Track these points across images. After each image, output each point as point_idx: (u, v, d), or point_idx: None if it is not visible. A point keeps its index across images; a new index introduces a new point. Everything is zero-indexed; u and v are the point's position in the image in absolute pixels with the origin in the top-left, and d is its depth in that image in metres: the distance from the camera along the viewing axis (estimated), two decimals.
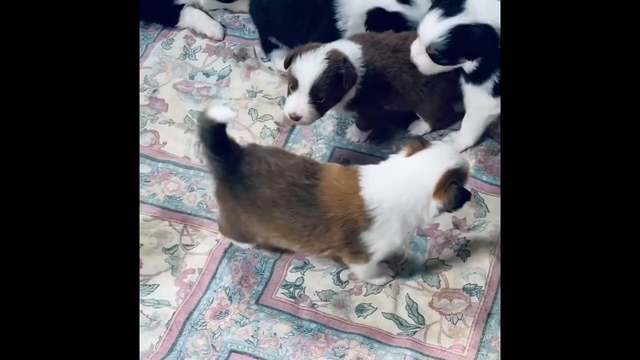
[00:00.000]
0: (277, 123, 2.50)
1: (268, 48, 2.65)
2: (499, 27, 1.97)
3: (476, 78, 2.15)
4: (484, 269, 2.15)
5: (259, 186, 1.91)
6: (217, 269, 2.20)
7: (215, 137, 1.87)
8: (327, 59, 2.10)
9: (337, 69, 2.10)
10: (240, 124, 2.52)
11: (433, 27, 2.05)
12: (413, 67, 2.20)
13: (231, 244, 2.24)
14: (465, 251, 2.19)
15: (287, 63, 2.15)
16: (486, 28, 2.02)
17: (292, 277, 2.17)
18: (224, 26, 2.83)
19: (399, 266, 2.15)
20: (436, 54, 2.08)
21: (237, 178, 1.92)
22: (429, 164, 1.87)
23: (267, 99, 2.59)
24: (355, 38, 2.25)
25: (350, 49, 2.18)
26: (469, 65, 2.13)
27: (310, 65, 2.11)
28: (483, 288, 2.11)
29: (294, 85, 2.13)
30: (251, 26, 2.79)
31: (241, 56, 2.71)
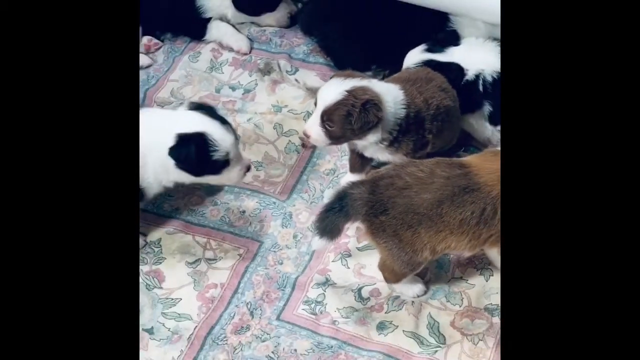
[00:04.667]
0: (301, 138, 2.49)
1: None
2: None
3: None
4: None
5: (416, 195, 1.88)
6: (239, 283, 2.22)
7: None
8: (347, 92, 2.06)
9: (352, 106, 2.04)
10: (265, 139, 2.54)
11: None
12: (447, 92, 2.25)
13: (253, 259, 2.25)
14: (488, 270, 2.18)
15: None
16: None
17: (313, 293, 2.17)
18: (250, 40, 2.85)
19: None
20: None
21: (382, 203, 1.90)
22: None
23: (292, 114, 2.61)
24: (394, 79, 2.24)
25: (391, 92, 2.14)
26: None
27: (329, 91, 2.08)
28: None
29: (315, 104, 2.13)
30: (278, 40, 2.83)
31: (266, 70, 2.72)
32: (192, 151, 2.03)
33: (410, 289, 2.12)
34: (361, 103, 2.04)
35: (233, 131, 2.12)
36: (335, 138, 2.12)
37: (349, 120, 2.05)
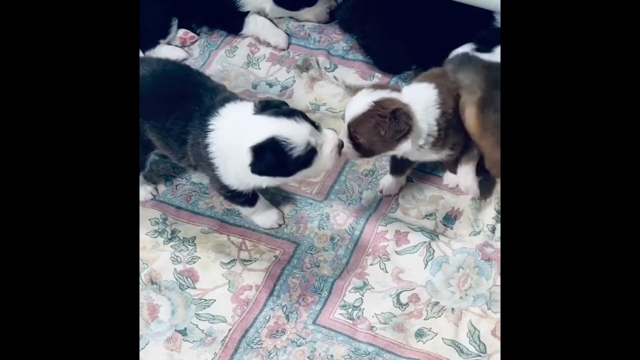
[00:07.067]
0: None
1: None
2: None
3: None
4: None
5: None
6: (274, 286, 2.18)
7: None
8: (375, 102, 2.01)
9: (380, 116, 2.00)
10: None
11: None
12: None
13: (289, 261, 2.23)
14: None
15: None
16: None
17: (351, 297, 2.13)
18: (288, 35, 2.83)
19: (462, 291, 2.11)
20: None
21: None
22: None
23: (330, 112, 2.58)
24: (428, 77, 2.16)
25: (421, 98, 2.08)
26: None
27: (356, 103, 2.04)
28: None
29: (343, 118, 2.09)
30: (316, 35, 2.81)
31: (305, 67, 2.70)
32: (270, 160, 1.94)
33: None
34: (390, 111, 1.99)
35: (305, 118, 1.98)
36: (364, 151, 2.06)
37: (377, 130, 2.00)
